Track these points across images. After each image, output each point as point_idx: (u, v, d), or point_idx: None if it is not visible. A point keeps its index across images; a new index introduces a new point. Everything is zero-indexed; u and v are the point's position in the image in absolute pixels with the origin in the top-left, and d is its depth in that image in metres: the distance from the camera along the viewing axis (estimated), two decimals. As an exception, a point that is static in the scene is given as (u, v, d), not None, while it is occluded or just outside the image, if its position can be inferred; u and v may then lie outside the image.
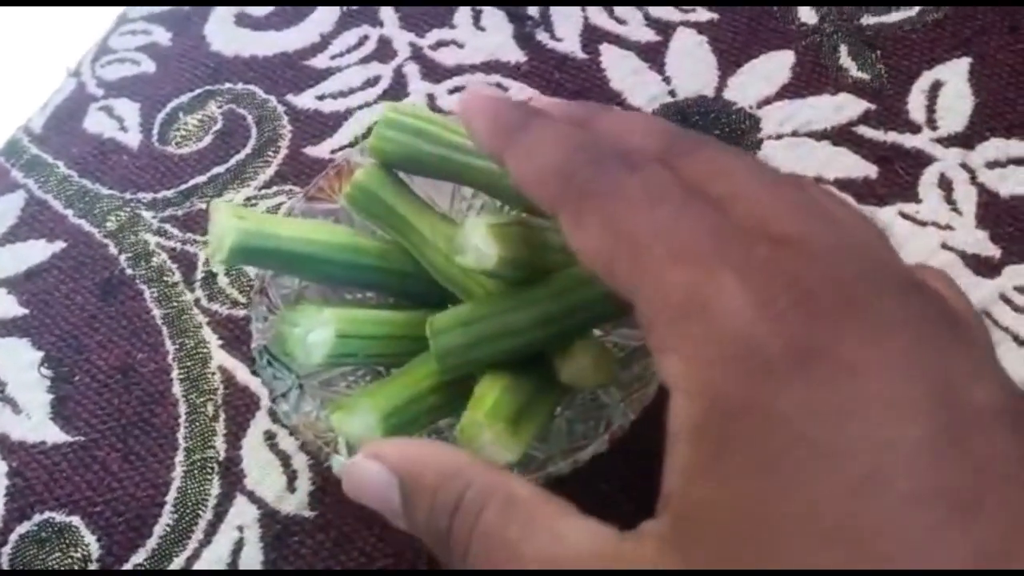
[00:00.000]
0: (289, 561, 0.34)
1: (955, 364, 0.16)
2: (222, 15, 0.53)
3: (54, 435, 0.38)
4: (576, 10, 0.50)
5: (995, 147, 0.41)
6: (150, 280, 0.42)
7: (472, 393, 0.28)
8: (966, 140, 0.42)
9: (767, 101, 0.44)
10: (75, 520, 0.36)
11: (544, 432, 0.29)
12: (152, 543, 0.35)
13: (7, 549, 0.35)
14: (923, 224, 0.39)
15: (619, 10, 0.49)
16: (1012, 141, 0.41)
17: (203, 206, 0.44)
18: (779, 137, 0.43)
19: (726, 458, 0.16)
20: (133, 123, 0.48)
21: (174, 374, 0.39)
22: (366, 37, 0.50)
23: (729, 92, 0.45)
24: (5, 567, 0.35)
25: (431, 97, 0.47)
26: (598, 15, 0.49)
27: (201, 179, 0.45)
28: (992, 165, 0.41)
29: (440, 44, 0.49)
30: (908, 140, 0.42)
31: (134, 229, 0.44)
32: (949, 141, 0.42)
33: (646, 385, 0.29)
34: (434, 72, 0.48)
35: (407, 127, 0.31)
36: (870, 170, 0.41)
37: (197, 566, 0.34)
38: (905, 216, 0.40)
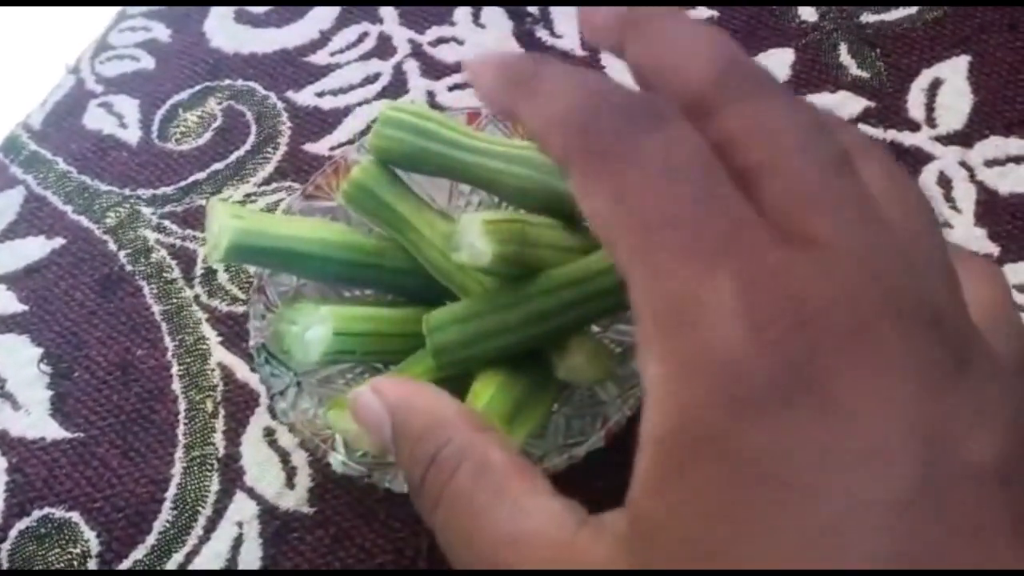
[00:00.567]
0: (288, 557, 0.34)
1: (953, 413, 0.15)
2: (222, 12, 0.53)
3: (53, 431, 0.38)
4: (576, 8, 0.50)
5: (994, 145, 0.41)
6: (149, 276, 0.42)
7: (469, 390, 0.28)
8: (965, 138, 0.42)
9: (766, 99, 0.44)
10: (75, 516, 0.36)
11: (541, 428, 0.30)
12: (152, 539, 0.35)
13: (6, 545, 0.35)
14: (921, 222, 0.39)
15: (619, 7, 0.49)
16: (1011, 139, 0.41)
17: (202, 202, 0.44)
18: (778, 135, 0.43)
19: (685, 483, 0.15)
20: (132, 119, 0.49)
21: (173, 370, 0.39)
22: (366, 34, 0.50)
23: (728, 90, 0.45)
24: (4, 563, 0.35)
25: (431, 94, 0.47)
26: (598, 12, 0.49)
27: (200, 175, 0.46)
28: (991, 163, 0.41)
29: (440, 41, 0.49)
30: (907, 138, 0.42)
31: (133, 225, 0.44)
32: (948, 139, 0.42)
33: (643, 382, 0.29)
34: (434, 69, 0.48)
35: (406, 125, 0.31)
36: (869, 168, 0.41)
37: (196, 562, 0.34)
38: (904, 214, 0.40)
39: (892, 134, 0.42)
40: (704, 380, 0.15)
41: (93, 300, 0.42)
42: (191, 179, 0.45)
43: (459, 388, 0.28)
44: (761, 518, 0.15)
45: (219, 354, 0.39)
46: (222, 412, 0.38)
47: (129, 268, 0.43)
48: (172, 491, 0.36)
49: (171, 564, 0.34)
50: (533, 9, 0.50)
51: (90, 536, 0.35)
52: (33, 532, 0.36)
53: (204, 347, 0.40)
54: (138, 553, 0.35)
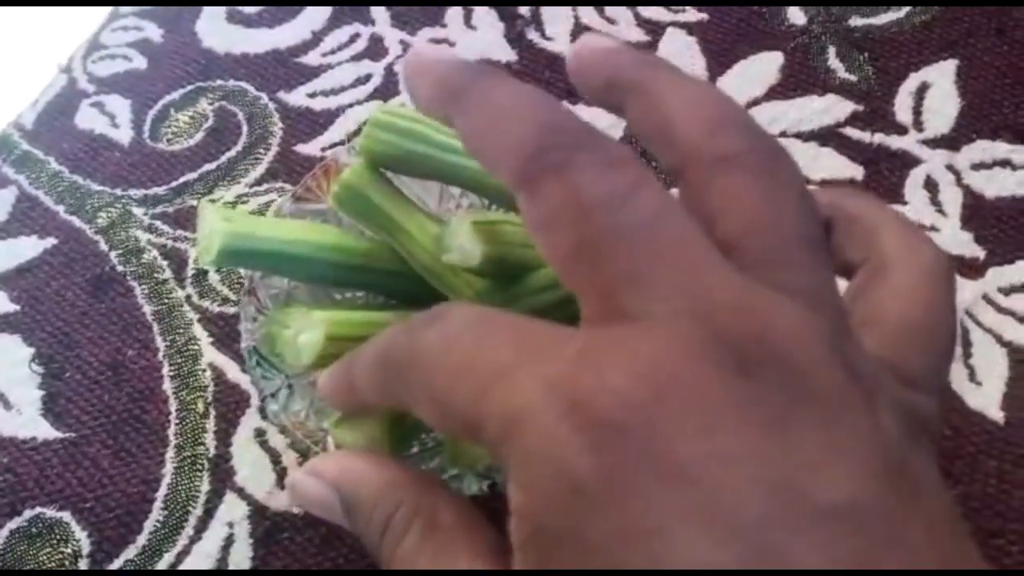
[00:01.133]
0: (278, 557, 0.34)
1: (796, 455, 0.14)
2: (214, 12, 0.53)
3: (45, 431, 0.38)
4: (567, 9, 0.50)
5: (981, 149, 0.42)
6: (141, 277, 0.42)
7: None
8: (952, 142, 0.42)
9: (756, 102, 0.45)
10: (66, 516, 0.36)
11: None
12: (142, 539, 0.35)
13: (-2, 545, 0.36)
14: (908, 225, 0.40)
15: (609, 10, 0.50)
16: (998, 143, 0.42)
17: (194, 203, 0.45)
18: (767, 138, 0.43)
19: None
20: (124, 119, 0.49)
21: (165, 371, 0.39)
22: (357, 35, 0.51)
23: (718, 92, 0.45)
24: (-4, 562, 0.35)
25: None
26: (589, 15, 0.50)
27: (192, 176, 0.46)
28: (978, 167, 0.41)
29: (431, 42, 0.50)
30: (895, 142, 0.42)
31: (125, 226, 0.44)
32: (935, 143, 0.42)
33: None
34: (425, 70, 0.48)
35: (397, 128, 0.31)
36: (856, 171, 0.42)
37: (187, 562, 0.34)
38: (891, 217, 0.40)
39: (880, 137, 0.43)
40: (542, 482, 0.15)
41: (85, 300, 0.42)
42: (183, 179, 0.46)
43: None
44: None
45: (210, 355, 0.39)
46: (213, 413, 0.38)
47: (121, 268, 0.43)
48: (163, 491, 0.36)
49: (162, 564, 0.34)
50: (524, 10, 0.50)
51: (81, 536, 0.35)
52: (24, 532, 0.36)
53: (195, 348, 0.40)
54: (129, 553, 0.35)
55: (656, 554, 0.14)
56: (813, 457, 0.15)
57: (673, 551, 0.14)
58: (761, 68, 0.46)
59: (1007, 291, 0.38)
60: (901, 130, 0.43)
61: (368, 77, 0.48)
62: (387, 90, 0.48)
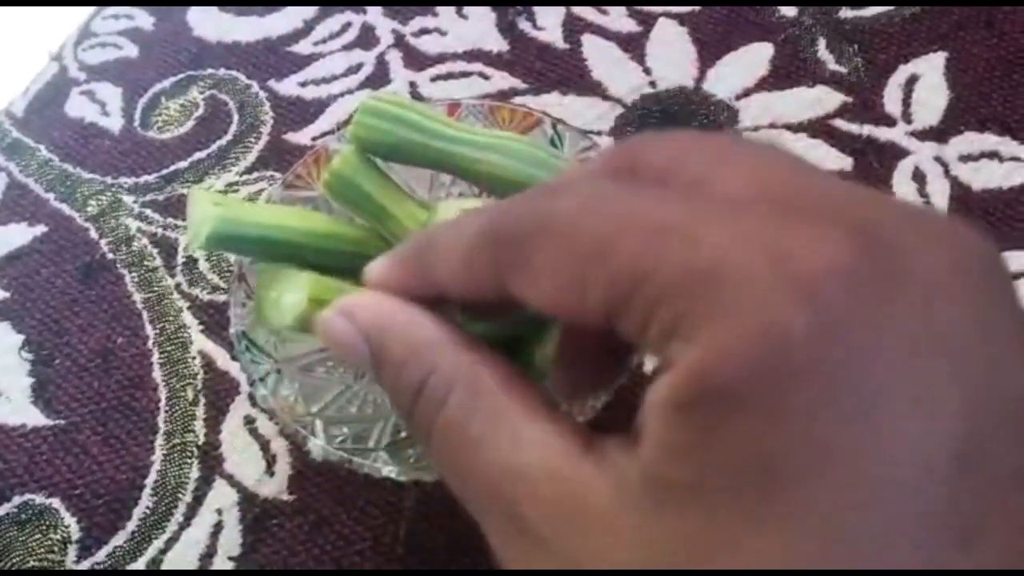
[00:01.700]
0: (267, 544, 0.34)
1: (997, 355, 0.14)
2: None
3: (34, 418, 0.38)
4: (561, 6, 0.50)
5: (969, 141, 0.42)
6: (131, 264, 0.42)
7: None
8: (940, 134, 0.42)
9: (746, 93, 0.45)
10: (55, 502, 0.36)
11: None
12: (131, 525, 0.35)
13: (-13, 530, 0.36)
14: (896, 216, 0.40)
15: None
16: (986, 135, 0.42)
17: (184, 191, 0.45)
18: (756, 129, 0.43)
19: (715, 444, 0.15)
20: (115, 107, 0.48)
21: (154, 358, 0.39)
22: (349, 24, 0.50)
23: (708, 83, 0.45)
24: (-16, 548, 0.35)
25: (413, 85, 0.47)
26: (580, 4, 0.50)
27: (182, 164, 0.46)
28: (965, 159, 0.42)
29: (423, 32, 0.50)
30: (883, 133, 0.43)
31: (115, 213, 0.44)
32: (924, 135, 0.42)
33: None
34: (416, 60, 0.48)
35: (387, 115, 0.31)
36: (845, 163, 0.42)
37: (176, 549, 0.35)
38: (879, 208, 0.40)
39: (868, 129, 0.43)
40: (739, 340, 0.14)
41: (75, 288, 0.42)
42: (173, 168, 0.46)
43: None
44: (802, 483, 0.14)
45: (200, 342, 0.39)
46: (202, 400, 0.38)
47: (111, 256, 0.43)
48: (152, 478, 0.36)
49: (151, 550, 0.35)
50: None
51: (70, 522, 0.35)
52: (14, 518, 0.36)
53: (185, 335, 0.40)
54: (118, 539, 0.35)
55: (862, 433, 0.14)
56: (1012, 360, 0.14)
57: (882, 432, 0.14)
58: (751, 59, 0.46)
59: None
60: (890, 122, 0.43)
61: (359, 66, 0.48)
62: (378, 79, 0.48)
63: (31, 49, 0.52)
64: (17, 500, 0.36)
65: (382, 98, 0.32)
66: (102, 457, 0.37)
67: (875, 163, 0.42)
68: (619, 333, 0.17)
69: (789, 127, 0.43)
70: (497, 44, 0.48)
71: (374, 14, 0.51)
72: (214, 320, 0.40)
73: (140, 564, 0.34)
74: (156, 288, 0.41)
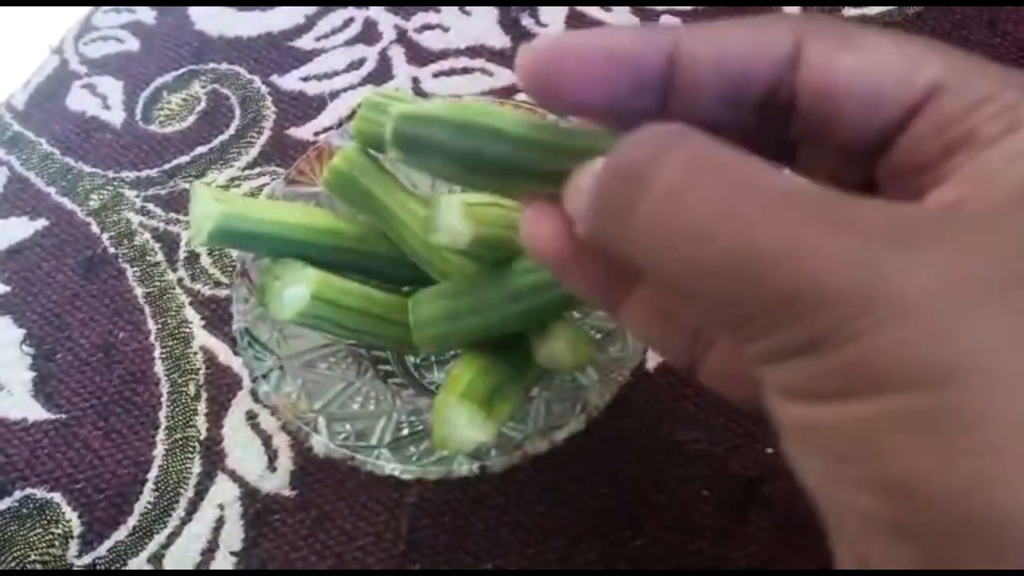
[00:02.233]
0: (269, 539, 0.34)
1: None
2: (207, -6, 0.53)
3: (36, 412, 0.38)
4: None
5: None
6: (133, 259, 0.42)
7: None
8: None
9: (748, 90, 0.45)
10: (56, 497, 0.36)
11: (521, 413, 0.30)
12: (133, 520, 0.35)
13: (-12, 524, 0.36)
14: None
15: (604, -3, 0.50)
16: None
17: (186, 186, 0.44)
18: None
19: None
20: (116, 101, 0.48)
21: (156, 353, 0.39)
22: (351, 19, 0.50)
23: (711, 81, 0.45)
24: (-14, 542, 0.35)
25: (415, 80, 0.47)
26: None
27: (184, 159, 0.46)
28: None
29: (425, 28, 0.50)
30: (886, 131, 0.43)
31: (117, 208, 0.44)
32: (926, 133, 0.42)
33: (622, 367, 0.30)
34: (419, 56, 0.48)
35: (391, 111, 0.31)
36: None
37: (178, 543, 0.35)
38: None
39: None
40: None
41: (76, 282, 0.42)
42: (175, 162, 0.45)
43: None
44: None
45: (202, 337, 0.39)
46: (204, 395, 0.38)
47: (112, 250, 0.43)
48: (154, 473, 0.36)
49: (152, 545, 0.35)
50: (519, -3, 0.50)
51: (72, 516, 0.35)
52: (15, 512, 0.36)
53: (187, 330, 0.40)
54: (119, 534, 0.35)
55: None
56: None
57: None
58: (754, 57, 0.46)
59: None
60: (893, 120, 0.43)
61: (362, 61, 0.48)
62: (380, 75, 0.48)
63: (32, 42, 0.52)
64: (18, 494, 0.36)
65: (385, 94, 0.32)
66: (103, 452, 0.37)
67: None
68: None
69: (792, 125, 0.43)
70: (500, 40, 0.48)
71: (377, 9, 0.51)
72: (216, 315, 0.40)
73: (141, 559, 0.34)
74: (158, 283, 0.41)
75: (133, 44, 0.51)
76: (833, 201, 0.15)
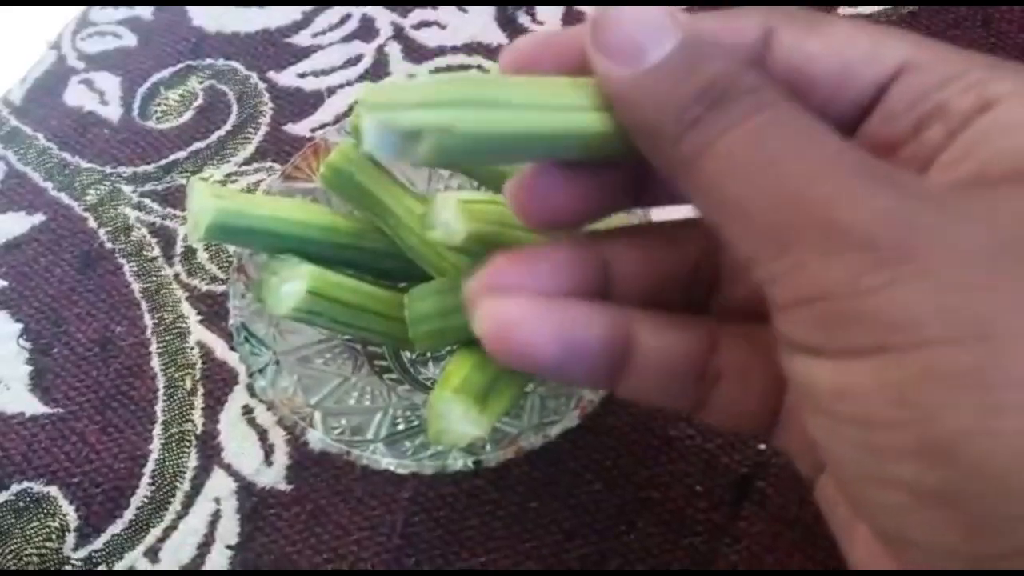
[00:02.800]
0: (265, 534, 0.34)
1: None
2: (204, -10, 0.53)
3: (33, 407, 0.38)
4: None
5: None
6: (129, 254, 0.42)
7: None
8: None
9: (744, 89, 0.45)
10: (53, 490, 0.36)
11: (515, 408, 0.30)
12: (129, 514, 0.35)
13: (-15, 518, 0.36)
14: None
15: (601, -5, 0.50)
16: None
17: (183, 181, 0.45)
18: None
19: None
20: (114, 97, 0.48)
21: (152, 348, 0.39)
22: (348, 15, 0.51)
23: (707, 79, 0.45)
24: (-17, 535, 0.35)
25: (412, 78, 0.47)
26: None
27: (181, 154, 0.46)
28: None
29: (423, 24, 0.50)
30: (880, 130, 0.43)
31: (114, 203, 0.44)
32: (920, 132, 0.43)
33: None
34: (416, 52, 0.48)
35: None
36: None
37: (174, 537, 0.35)
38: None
39: (866, 126, 0.43)
40: None
41: (73, 277, 0.42)
42: (172, 158, 0.46)
43: None
44: None
45: (198, 332, 0.40)
46: (200, 390, 0.38)
47: (109, 246, 0.43)
48: (150, 467, 0.36)
49: (149, 538, 0.35)
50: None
51: (68, 510, 0.36)
52: (12, 506, 0.36)
53: (183, 325, 0.40)
54: (116, 528, 0.35)
55: None
56: None
57: None
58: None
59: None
60: (887, 119, 0.43)
61: (359, 58, 0.48)
62: (377, 72, 0.48)
63: (29, 37, 0.52)
64: (15, 488, 0.36)
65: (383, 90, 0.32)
66: (100, 446, 0.37)
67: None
68: None
69: (786, 123, 0.43)
70: (497, 37, 0.48)
71: (373, 6, 0.51)
72: (212, 310, 0.40)
73: (138, 552, 0.35)
74: (155, 278, 0.41)
75: (131, 40, 0.51)
76: (874, 162, 0.16)
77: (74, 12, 0.53)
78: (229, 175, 0.45)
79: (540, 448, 0.29)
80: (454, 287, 0.29)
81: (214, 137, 0.46)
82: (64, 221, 0.44)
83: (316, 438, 0.30)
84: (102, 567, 0.34)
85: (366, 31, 0.50)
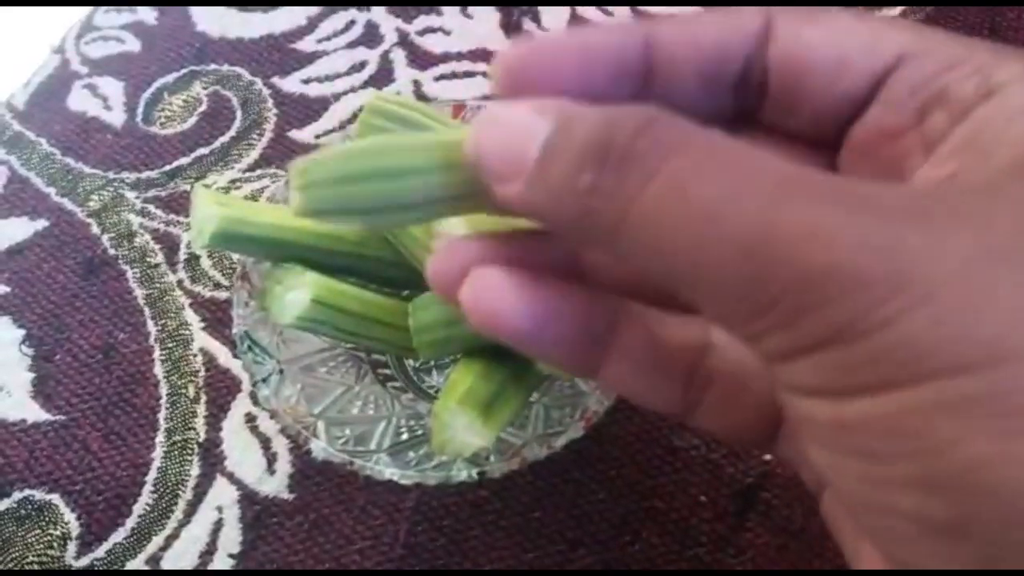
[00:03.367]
0: (267, 542, 0.34)
1: None
2: (209, -5, 0.53)
3: (35, 413, 0.38)
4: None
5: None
6: (133, 260, 0.42)
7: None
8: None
9: (749, 96, 0.45)
10: (55, 498, 0.36)
11: (520, 418, 0.30)
12: (131, 522, 0.35)
13: (-14, 526, 0.36)
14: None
15: None
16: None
17: (187, 187, 0.44)
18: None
19: None
20: (117, 102, 0.48)
21: (156, 355, 0.39)
22: (353, 22, 0.50)
23: (712, 86, 0.45)
24: (-16, 543, 0.35)
25: (417, 84, 0.47)
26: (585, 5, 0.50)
27: (185, 160, 0.46)
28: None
29: (427, 31, 0.50)
30: (886, 138, 0.43)
31: (117, 209, 0.44)
32: (926, 140, 0.42)
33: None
34: (421, 59, 0.48)
35: (392, 115, 0.31)
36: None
37: (176, 546, 0.35)
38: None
39: (872, 134, 0.43)
40: None
41: (76, 283, 0.42)
42: (176, 164, 0.45)
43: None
44: None
45: (201, 339, 0.39)
46: (204, 397, 0.38)
47: (112, 252, 0.43)
48: (153, 475, 0.36)
49: (151, 547, 0.35)
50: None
51: (70, 518, 0.36)
52: (13, 513, 0.36)
53: (186, 332, 0.40)
54: (118, 536, 0.35)
55: None
56: None
57: None
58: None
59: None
60: (893, 127, 0.43)
61: (363, 64, 0.48)
62: (382, 78, 0.48)
63: (33, 42, 0.52)
64: (17, 496, 0.36)
65: (387, 98, 0.32)
66: (102, 453, 0.37)
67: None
68: None
69: (792, 131, 0.43)
70: (501, 43, 0.48)
71: (378, 12, 0.51)
72: (216, 317, 0.40)
73: (140, 561, 0.34)
74: (158, 284, 0.41)
75: (134, 44, 0.51)
76: (841, 183, 0.15)
77: (78, 16, 0.53)
78: (233, 181, 0.44)
79: (544, 459, 0.29)
80: None
81: (218, 143, 0.46)
82: (67, 227, 0.44)
83: (319, 447, 0.29)
84: None
85: (371, 37, 0.50)
